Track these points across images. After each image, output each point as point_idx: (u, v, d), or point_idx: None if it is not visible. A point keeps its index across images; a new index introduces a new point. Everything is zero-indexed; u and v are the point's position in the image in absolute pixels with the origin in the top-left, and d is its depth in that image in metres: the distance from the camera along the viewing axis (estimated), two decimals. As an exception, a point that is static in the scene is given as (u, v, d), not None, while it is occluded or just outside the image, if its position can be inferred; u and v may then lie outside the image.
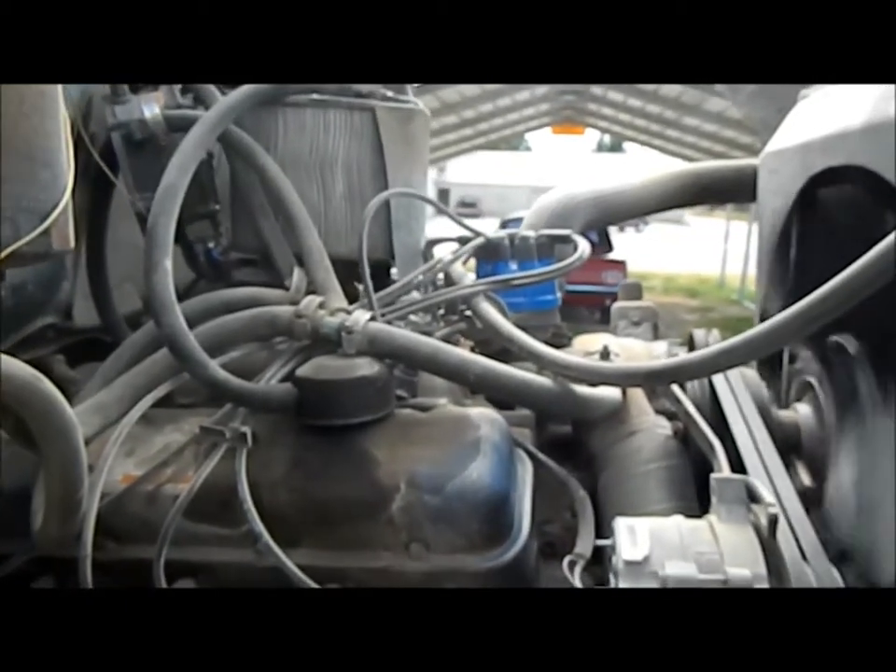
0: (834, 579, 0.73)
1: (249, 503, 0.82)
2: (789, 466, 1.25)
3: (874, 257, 0.64)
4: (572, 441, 1.23)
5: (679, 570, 0.70)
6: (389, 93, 1.21)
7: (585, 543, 0.95)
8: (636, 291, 1.81)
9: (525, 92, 12.07)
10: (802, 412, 1.20)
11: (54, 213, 0.63)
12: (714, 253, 13.91)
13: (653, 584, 0.71)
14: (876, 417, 0.98)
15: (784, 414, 1.21)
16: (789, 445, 1.19)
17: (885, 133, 0.95)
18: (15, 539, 0.89)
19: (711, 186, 1.74)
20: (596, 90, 12.03)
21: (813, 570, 0.74)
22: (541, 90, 12.16)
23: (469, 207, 26.25)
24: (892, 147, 0.92)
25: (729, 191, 1.73)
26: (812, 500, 1.20)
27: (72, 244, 0.69)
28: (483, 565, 0.85)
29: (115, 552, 0.90)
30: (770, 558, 0.72)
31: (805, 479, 1.22)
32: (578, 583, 0.87)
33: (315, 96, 1.15)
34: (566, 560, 0.90)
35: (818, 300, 0.68)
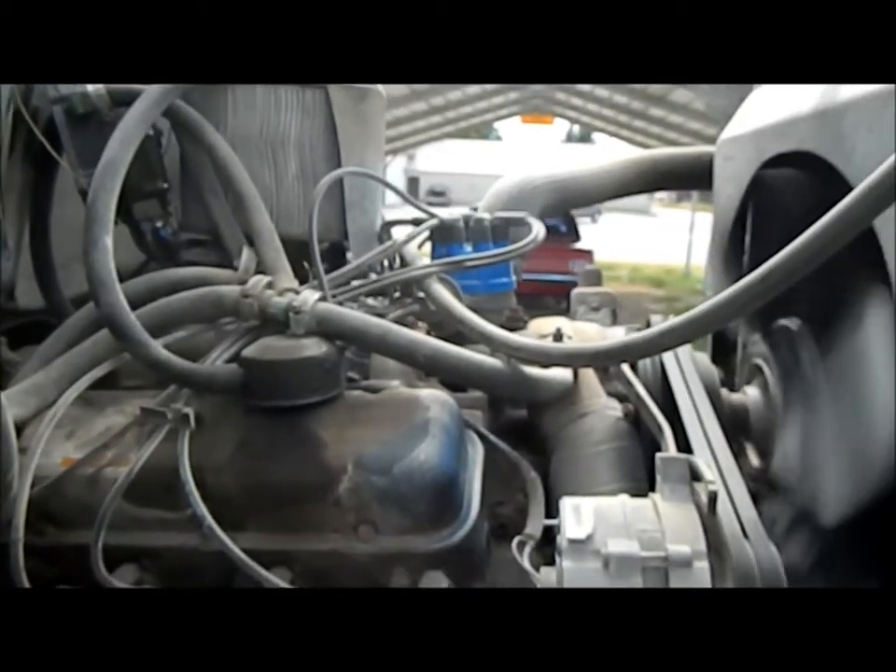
0: (773, 554, 0.74)
1: (192, 485, 0.80)
2: (738, 448, 1.27)
3: (811, 235, 0.64)
4: (528, 424, 1.23)
5: (621, 548, 0.71)
6: None
7: (535, 524, 0.96)
8: (595, 278, 1.81)
9: (493, 81, 12.07)
10: (751, 394, 1.22)
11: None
12: (680, 244, 14.10)
13: (596, 562, 0.71)
14: (819, 391, 1.00)
15: (734, 397, 1.23)
16: (738, 427, 1.21)
17: (831, 120, 0.97)
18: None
19: (669, 172, 1.76)
20: (565, 79, 12.07)
21: (752, 547, 0.75)
22: (510, 78, 12.15)
23: (439, 196, 26.18)
24: (838, 132, 0.94)
25: (686, 178, 1.74)
26: (760, 481, 1.23)
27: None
28: (431, 546, 0.85)
29: (55, 537, 0.88)
30: (710, 535, 0.73)
31: (754, 460, 1.25)
32: (526, 563, 0.88)
33: (265, 73, 1.12)
34: (515, 540, 0.90)
35: (758, 278, 0.68)
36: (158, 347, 0.83)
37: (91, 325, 0.95)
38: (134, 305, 0.87)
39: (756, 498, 1.23)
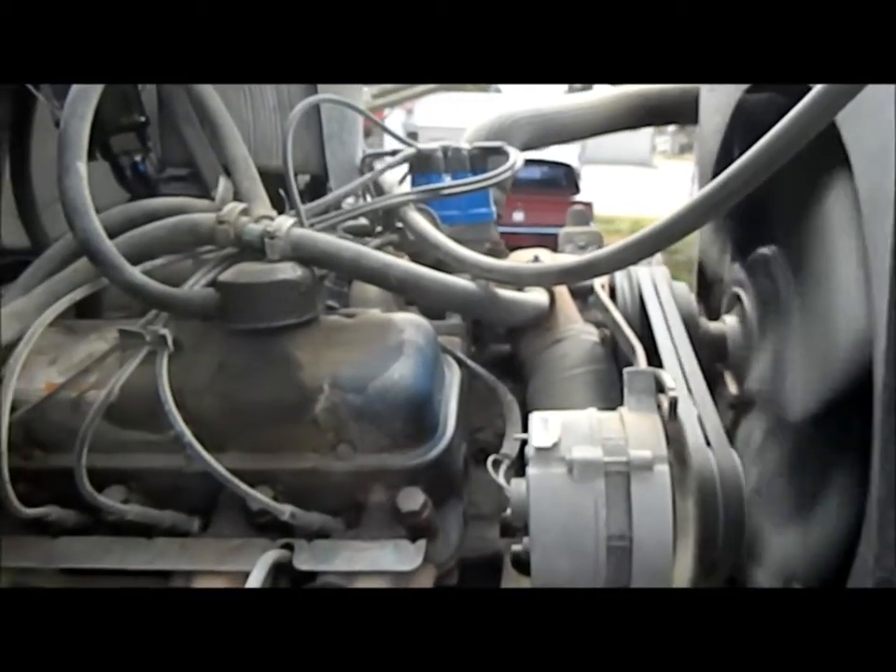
0: (733, 460, 0.77)
1: (171, 406, 0.82)
2: (717, 376, 1.29)
3: (769, 139, 0.65)
4: (510, 357, 1.25)
5: (584, 454, 0.73)
6: None
7: (511, 444, 0.98)
8: (582, 217, 1.81)
9: (491, 29, 11.78)
10: (729, 322, 1.24)
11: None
12: (682, 196, 13.94)
13: (561, 468, 0.74)
14: (792, 313, 1.02)
15: (712, 326, 1.24)
16: (717, 355, 1.23)
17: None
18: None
19: (658, 107, 1.74)
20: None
21: (714, 454, 0.77)
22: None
23: (438, 151, 25.80)
24: None
25: (675, 113, 1.72)
26: (738, 407, 1.25)
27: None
28: (407, 463, 0.88)
29: (42, 460, 0.90)
30: (673, 442, 0.76)
31: (732, 388, 1.27)
32: (501, 480, 0.90)
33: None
34: (490, 458, 0.93)
35: (719, 185, 0.69)
36: (133, 271, 0.84)
37: (71, 255, 0.96)
38: (111, 235, 0.88)
39: (732, 424, 1.26)
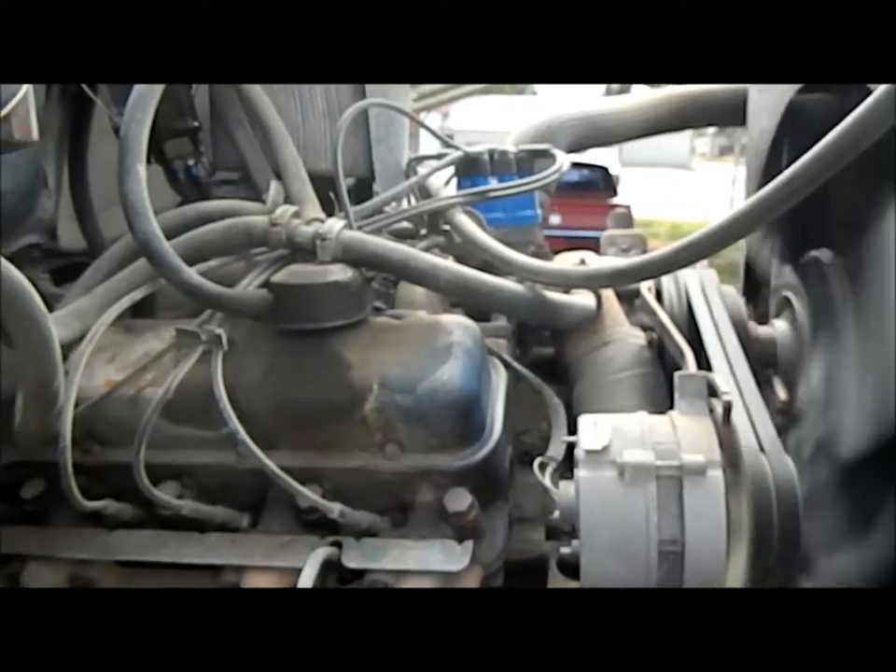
0: (788, 467, 0.75)
1: (225, 402, 0.84)
2: (766, 381, 1.27)
3: (831, 140, 0.64)
4: (554, 360, 1.25)
5: (636, 457, 0.73)
6: None
7: (557, 447, 0.98)
8: (625, 220, 1.80)
9: (529, 32, 11.76)
10: (779, 327, 1.22)
11: (14, 100, 0.64)
12: (721, 199, 13.71)
13: (612, 471, 0.73)
14: (847, 323, 1.00)
15: (762, 330, 1.22)
16: (766, 360, 1.21)
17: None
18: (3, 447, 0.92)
19: (704, 108, 1.72)
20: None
21: (768, 460, 0.76)
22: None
23: (474, 154, 25.80)
24: None
25: (722, 114, 1.70)
26: (787, 414, 1.23)
27: (35, 134, 0.70)
28: (454, 463, 0.88)
29: (100, 455, 0.93)
30: (726, 447, 0.75)
31: (781, 393, 1.25)
32: (547, 481, 0.90)
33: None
34: (537, 461, 0.93)
35: (778, 186, 0.68)
36: (190, 272, 0.86)
37: (129, 255, 0.99)
38: (168, 237, 0.90)
39: (781, 431, 1.23)
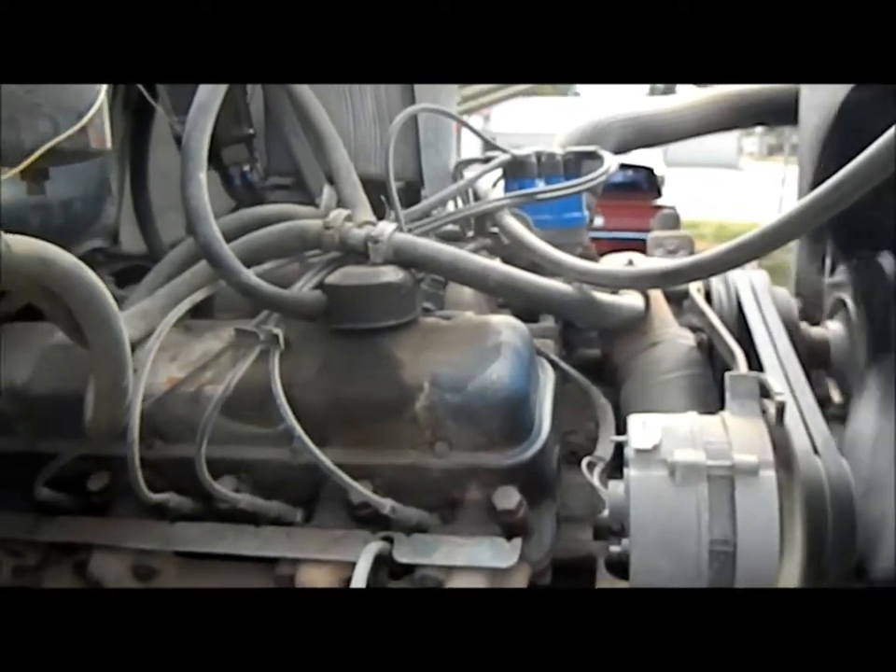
0: (843, 470, 0.75)
1: (283, 400, 0.87)
2: (820, 383, 1.25)
3: (882, 143, 0.63)
4: (600, 361, 1.25)
5: (687, 457, 0.73)
6: None
7: (605, 447, 0.98)
8: (672, 221, 1.79)
9: (571, 33, 11.70)
10: (832, 328, 1.20)
11: (91, 111, 0.67)
12: (770, 199, 13.39)
13: (663, 471, 0.74)
14: None
15: (815, 331, 1.20)
16: (819, 361, 1.19)
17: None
18: (68, 441, 0.97)
19: (754, 107, 1.70)
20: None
21: (823, 462, 0.75)
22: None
23: (515, 156, 25.78)
24: None
25: (769, 113, 1.68)
26: (840, 417, 1.21)
27: (108, 144, 0.74)
28: (502, 462, 0.89)
29: (162, 450, 0.97)
30: (779, 449, 0.74)
31: (836, 396, 1.22)
32: (595, 481, 0.91)
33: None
34: (585, 461, 0.93)
35: (825, 190, 0.68)
36: (249, 273, 0.89)
37: (189, 258, 1.03)
38: (226, 241, 0.93)
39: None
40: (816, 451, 0.76)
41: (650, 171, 9.31)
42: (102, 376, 0.79)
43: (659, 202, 9.21)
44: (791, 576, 0.72)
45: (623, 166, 8.66)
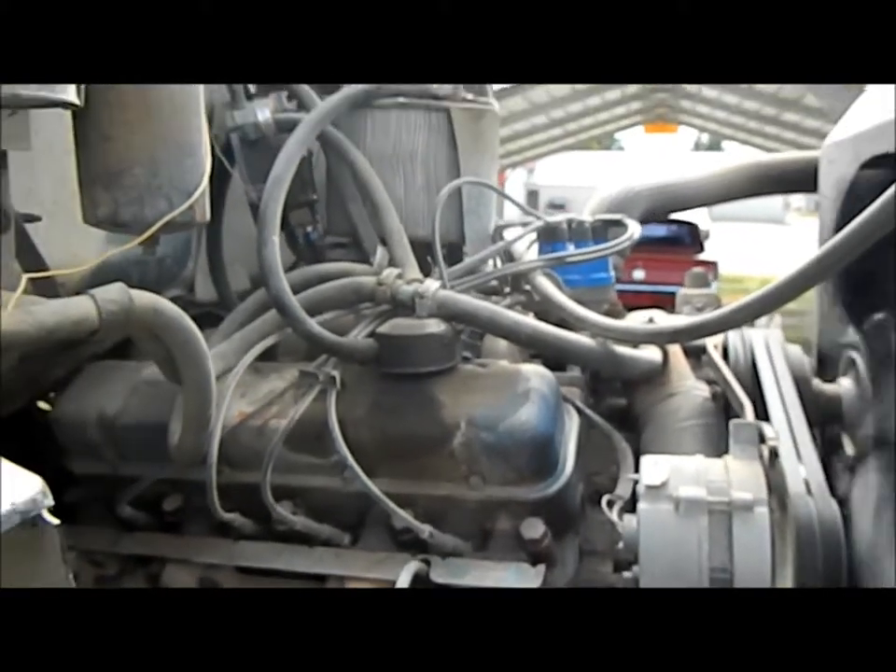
0: (833, 510, 0.83)
1: (338, 434, 1.00)
2: (835, 437, 1.32)
3: (872, 211, 0.73)
4: (625, 410, 1.35)
5: (690, 493, 0.83)
6: (469, 95, 1.37)
7: (624, 486, 1.08)
8: (701, 279, 1.89)
9: (615, 91, 11.97)
10: (844, 384, 1.28)
11: (197, 192, 0.83)
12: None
13: (669, 505, 0.84)
14: None
15: (828, 387, 1.28)
16: (832, 416, 1.27)
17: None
18: (148, 465, 1.11)
19: (776, 177, 1.80)
20: (690, 87, 11.77)
21: (815, 502, 0.84)
22: (632, 88, 12.02)
23: (559, 209, 26.15)
24: None
25: (794, 182, 1.78)
26: (852, 468, 1.28)
27: (208, 217, 0.89)
28: (529, 495, 1.00)
29: (229, 476, 1.10)
30: (774, 489, 0.84)
31: (849, 449, 1.29)
32: (615, 517, 1.01)
33: (399, 99, 1.33)
34: (605, 498, 1.03)
35: (823, 254, 0.78)
36: (313, 323, 1.03)
37: (259, 308, 1.18)
38: (292, 293, 1.08)
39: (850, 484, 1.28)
40: (809, 492, 0.85)
41: (692, 226, 9.37)
42: (191, 407, 0.93)
43: (702, 256, 9.26)
44: (784, 605, 0.80)
45: (667, 220, 8.74)
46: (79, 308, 0.69)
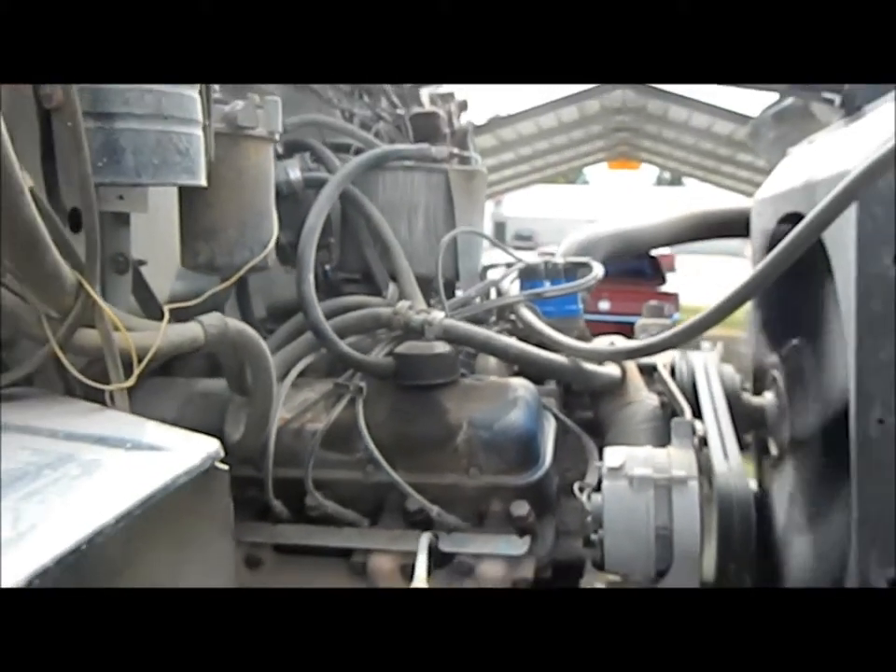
0: (746, 484, 1.11)
1: (366, 434, 1.25)
2: (762, 442, 1.62)
3: (776, 253, 1.01)
4: (592, 420, 1.63)
5: (641, 472, 1.10)
6: (459, 155, 1.67)
7: (592, 476, 1.35)
8: (657, 311, 2.20)
9: (579, 131, 12.52)
10: (767, 397, 1.58)
11: (270, 244, 1.09)
12: (771, 286, 13.82)
13: (625, 482, 1.11)
14: (811, 380, 1.35)
15: (754, 399, 1.58)
16: (756, 422, 1.56)
17: (810, 190, 1.35)
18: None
19: (717, 224, 2.13)
20: (650, 128, 12.37)
21: (734, 481, 1.12)
22: (595, 128, 12.58)
23: (525, 240, 26.74)
24: (813, 200, 1.31)
25: (731, 229, 2.11)
26: (776, 466, 1.57)
27: (272, 260, 1.15)
28: (517, 482, 1.26)
29: (273, 471, 1.34)
30: (704, 469, 1.12)
31: (773, 450, 1.59)
32: (584, 499, 1.27)
33: (406, 163, 1.61)
34: (576, 485, 1.30)
35: (731, 294, 1.06)
36: (343, 345, 1.29)
37: (295, 332, 1.44)
38: None
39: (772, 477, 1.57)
40: (730, 474, 1.13)
41: (653, 259, 9.77)
42: (256, 411, 1.17)
43: (662, 288, 9.66)
44: (710, 554, 1.08)
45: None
46: (193, 330, 0.94)
